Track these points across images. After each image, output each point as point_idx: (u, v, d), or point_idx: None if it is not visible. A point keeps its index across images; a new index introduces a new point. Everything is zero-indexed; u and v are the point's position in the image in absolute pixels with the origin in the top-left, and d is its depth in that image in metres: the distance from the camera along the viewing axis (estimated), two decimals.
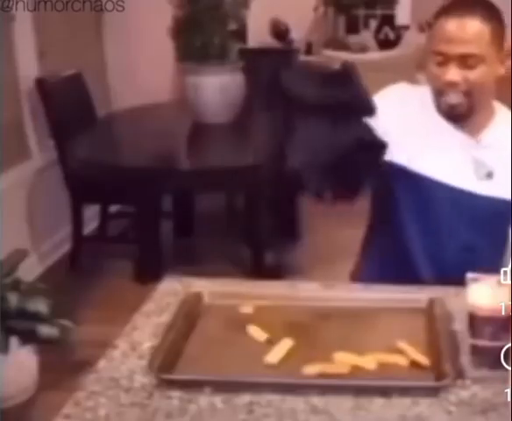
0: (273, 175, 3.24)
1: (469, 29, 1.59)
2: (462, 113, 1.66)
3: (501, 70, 1.65)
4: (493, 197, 1.69)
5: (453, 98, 1.63)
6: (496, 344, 1.22)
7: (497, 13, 1.64)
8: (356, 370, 1.25)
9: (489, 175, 1.68)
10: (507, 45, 1.66)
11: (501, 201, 1.68)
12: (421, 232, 1.72)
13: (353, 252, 2.08)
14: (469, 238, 1.70)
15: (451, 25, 1.60)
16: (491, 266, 1.41)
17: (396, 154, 1.66)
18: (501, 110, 1.74)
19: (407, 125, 1.70)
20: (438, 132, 1.71)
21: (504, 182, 1.67)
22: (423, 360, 1.26)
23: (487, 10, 1.63)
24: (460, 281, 1.31)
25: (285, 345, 1.31)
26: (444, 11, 1.64)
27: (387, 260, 1.79)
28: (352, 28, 7.66)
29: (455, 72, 1.60)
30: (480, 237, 1.70)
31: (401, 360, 1.27)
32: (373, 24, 7.66)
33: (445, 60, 1.61)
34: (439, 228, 1.71)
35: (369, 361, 1.26)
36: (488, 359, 1.24)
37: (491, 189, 1.68)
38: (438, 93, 1.66)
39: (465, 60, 1.60)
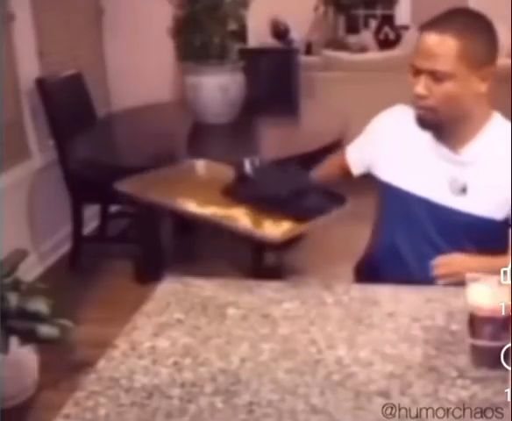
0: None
1: (436, 45, 1.62)
2: (430, 125, 1.71)
3: (481, 88, 1.66)
4: (466, 212, 1.71)
5: (420, 110, 1.69)
6: (496, 344, 1.22)
7: (476, 31, 1.64)
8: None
9: (463, 190, 1.71)
10: (491, 66, 1.66)
11: (474, 216, 1.71)
12: (407, 238, 1.80)
13: (353, 251, 2.09)
14: (446, 249, 1.72)
15: (423, 40, 1.64)
16: None
17: (382, 171, 1.84)
18: (492, 124, 1.73)
19: (396, 145, 1.83)
20: (422, 148, 1.78)
21: (478, 198, 1.70)
22: None
23: (462, 27, 1.63)
24: None
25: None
26: (424, 25, 1.67)
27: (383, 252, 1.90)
28: (352, 28, 7.67)
29: (422, 85, 1.65)
30: (457, 249, 1.70)
31: None
32: (373, 24, 7.66)
33: (417, 72, 1.66)
34: (420, 237, 1.79)
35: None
36: (488, 359, 1.24)
37: (465, 203, 1.71)
38: (413, 104, 1.72)
39: (433, 75, 1.63)
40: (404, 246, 1.82)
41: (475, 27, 1.65)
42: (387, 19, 7.71)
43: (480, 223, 1.71)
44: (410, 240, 1.81)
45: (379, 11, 7.83)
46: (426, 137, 1.77)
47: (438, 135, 1.75)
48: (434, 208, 1.75)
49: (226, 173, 1.85)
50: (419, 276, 1.71)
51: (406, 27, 7.47)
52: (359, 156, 1.99)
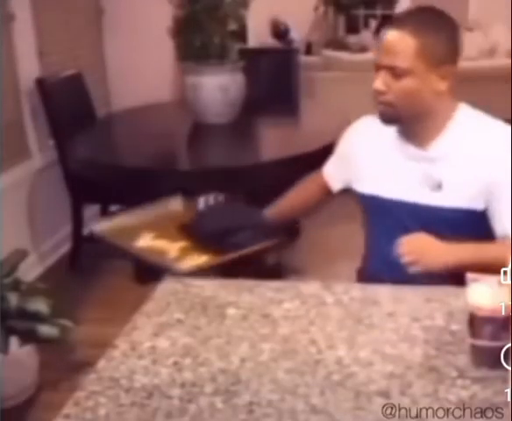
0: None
1: (394, 41, 1.65)
2: (390, 120, 1.74)
3: (440, 86, 1.68)
4: (446, 207, 1.72)
5: (380, 106, 1.72)
6: (496, 344, 1.22)
7: (436, 30, 1.66)
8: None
9: (439, 186, 1.73)
10: (451, 65, 1.68)
11: (454, 210, 1.72)
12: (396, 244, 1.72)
13: (353, 250, 2.09)
14: None
15: (384, 37, 1.67)
16: None
17: (360, 184, 1.88)
18: (457, 119, 1.74)
19: (369, 155, 1.86)
20: (393, 152, 1.81)
21: (455, 191, 1.71)
22: None
23: (421, 25, 1.65)
24: None
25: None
26: (390, 21, 1.71)
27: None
28: (352, 28, 7.67)
29: (381, 81, 1.68)
30: None
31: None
32: (373, 24, 7.66)
33: (378, 68, 1.69)
34: (395, 236, 1.69)
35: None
36: (488, 359, 1.24)
37: (443, 198, 1.73)
38: (374, 99, 1.74)
39: (391, 71, 1.66)
40: (395, 252, 1.78)
41: (436, 26, 1.67)
42: (387, 19, 7.71)
43: (462, 215, 1.71)
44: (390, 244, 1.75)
45: (379, 11, 7.83)
46: (395, 141, 1.80)
47: (405, 135, 1.78)
48: (414, 208, 1.76)
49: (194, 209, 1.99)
50: (414, 278, 1.71)
51: None
52: (336, 172, 2.02)
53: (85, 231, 3.99)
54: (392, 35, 1.66)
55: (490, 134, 1.72)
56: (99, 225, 2.02)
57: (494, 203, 1.69)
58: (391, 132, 1.81)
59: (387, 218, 1.83)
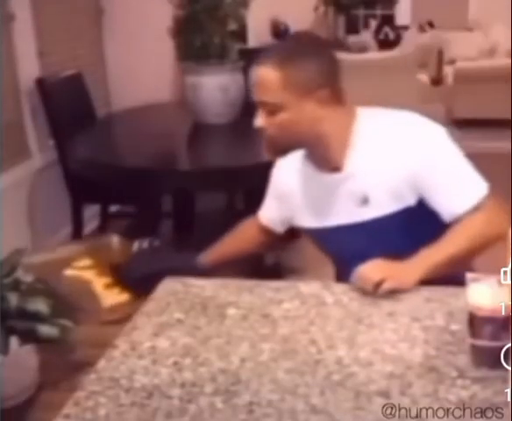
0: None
1: (261, 77, 1.61)
2: (275, 153, 1.74)
3: (319, 112, 1.63)
4: (378, 217, 1.69)
5: (264, 141, 1.69)
6: (496, 344, 1.22)
7: (299, 58, 1.61)
8: None
9: (366, 200, 1.69)
10: (322, 90, 1.62)
11: (391, 215, 1.68)
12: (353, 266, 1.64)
13: None
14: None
15: (253, 72, 1.64)
16: None
17: (298, 219, 1.84)
18: (359, 128, 1.70)
19: (296, 190, 1.82)
20: (312, 181, 1.77)
21: (381, 199, 1.67)
22: None
23: (284, 56, 1.61)
24: None
25: None
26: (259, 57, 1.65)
27: None
28: (352, 28, 7.67)
29: (261, 118, 1.64)
30: (395, 252, 1.60)
31: None
32: (373, 24, 7.67)
33: (258, 106, 1.65)
34: (360, 262, 1.62)
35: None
36: (488, 359, 1.24)
37: (373, 211, 1.69)
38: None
39: (265, 107, 1.63)
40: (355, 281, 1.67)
41: (300, 54, 1.63)
42: (387, 19, 7.73)
43: (398, 218, 1.67)
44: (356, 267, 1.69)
45: (379, 11, 7.84)
46: (311, 171, 1.77)
47: (315, 163, 1.75)
48: (351, 229, 1.72)
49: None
50: None
51: (406, 27, 7.48)
52: (275, 213, 1.94)
53: (85, 231, 4.00)
54: (259, 72, 1.62)
55: (397, 128, 1.69)
56: (29, 259, 1.97)
57: (429, 191, 1.64)
58: (306, 163, 1.78)
59: (333, 245, 1.80)
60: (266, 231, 1.98)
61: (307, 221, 1.82)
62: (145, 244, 1.94)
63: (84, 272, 1.82)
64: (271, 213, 1.96)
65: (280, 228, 1.96)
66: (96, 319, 1.63)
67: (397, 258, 1.57)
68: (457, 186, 1.65)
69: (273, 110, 1.61)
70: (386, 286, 1.52)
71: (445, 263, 1.58)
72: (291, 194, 1.84)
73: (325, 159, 1.72)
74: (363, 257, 1.57)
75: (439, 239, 1.60)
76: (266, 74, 1.60)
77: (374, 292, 1.52)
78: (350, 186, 1.70)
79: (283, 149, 1.71)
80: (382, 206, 1.68)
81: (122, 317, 1.56)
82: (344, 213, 1.73)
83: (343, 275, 1.73)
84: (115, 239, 1.97)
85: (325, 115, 1.64)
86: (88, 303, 1.71)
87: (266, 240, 2.00)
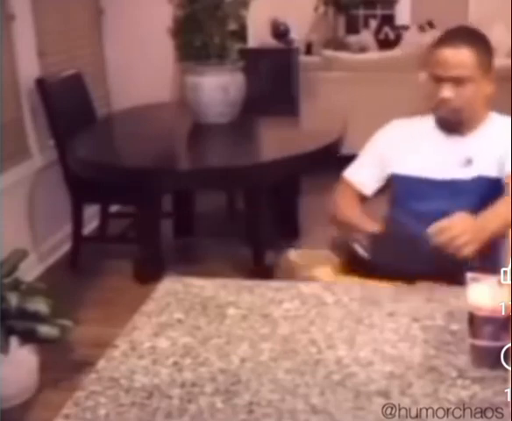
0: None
1: (460, 55, 1.95)
2: (452, 125, 2.02)
3: (489, 89, 2.00)
4: (475, 177, 1.98)
5: (445, 113, 1.99)
6: (496, 344, 1.22)
7: (484, 43, 2.01)
8: None
9: (469, 162, 2.00)
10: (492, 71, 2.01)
11: (480, 178, 1.98)
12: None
13: None
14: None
15: (446, 53, 1.95)
16: None
17: (400, 167, 2.09)
18: (493, 119, 2.06)
19: (404, 143, 2.11)
20: (431, 140, 2.08)
21: (482, 165, 1.98)
22: None
23: (474, 40, 1.99)
24: None
25: None
26: (440, 41, 2.00)
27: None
28: (352, 28, 7.67)
29: (449, 90, 1.95)
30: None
31: None
32: (373, 24, 7.67)
33: (441, 80, 1.96)
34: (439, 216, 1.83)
35: None
36: (488, 359, 1.24)
37: (472, 172, 1.99)
38: (434, 108, 2.02)
39: (457, 81, 1.95)
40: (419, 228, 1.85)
41: (482, 40, 2.01)
42: (387, 19, 7.72)
43: (484, 182, 1.97)
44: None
45: (379, 11, 7.83)
46: (431, 133, 2.07)
47: (448, 130, 2.04)
48: (450, 184, 2.00)
49: None
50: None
51: (406, 27, 7.47)
52: (370, 173, 2.17)
53: (85, 231, 4.00)
54: (455, 51, 1.94)
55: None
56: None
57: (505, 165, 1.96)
58: (425, 127, 2.09)
59: (427, 197, 2.02)
60: (358, 197, 2.18)
61: (414, 170, 2.06)
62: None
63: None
64: (366, 173, 2.17)
65: (371, 190, 2.17)
66: None
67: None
68: None
69: (463, 83, 1.94)
70: (467, 250, 1.71)
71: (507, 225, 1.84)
72: (398, 148, 2.10)
73: (462, 129, 2.02)
74: (442, 215, 1.78)
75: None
76: (464, 53, 1.94)
77: (454, 249, 1.70)
78: (462, 148, 2.01)
79: (460, 120, 2.00)
80: (480, 171, 1.98)
81: None
82: (451, 171, 2.01)
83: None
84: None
85: (490, 92, 2.01)
86: None
87: (359, 208, 2.18)
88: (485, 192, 1.96)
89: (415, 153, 2.08)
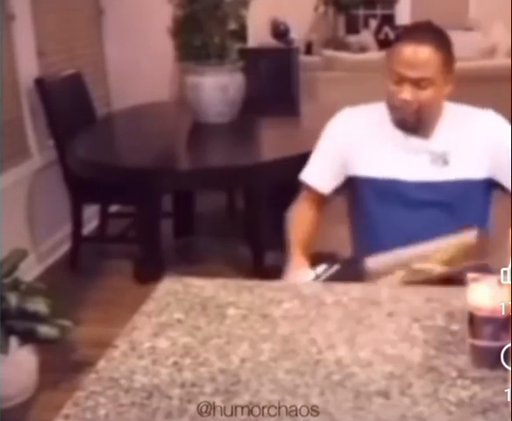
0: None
1: (422, 55, 1.83)
2: (411, 126, 1.91)
3: (447, 90, 1.90)
4: (453, 180, 1.91)
5: (404, 114, 1.88)
6: (496, 344, 1.22)
7: (447, 42, 1.88)
8: None
9: (445, 162, 1.91)
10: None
11: (459, 181, 1.90)
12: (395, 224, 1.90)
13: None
14: (440, 221, 1.88)
15: (408, 51, 1.83)
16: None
17: (361, 168, 1.98)
18: (447, 108, 1.95)
19: (362, 142, 1.99)
20: (392, 140, 1.96)
21: (459, 165, 1.91)
22: None
23: (438, 39, 1.86)
24: None
25: None
26: (402, 37, 1.88)
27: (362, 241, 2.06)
28: (352, 28, 7.67)
29: (408, 92, 1.85)
30: (449, 215, 1.89)
31: None
32: (373, 24, 7.67)
33: (401, 80, 1.85)
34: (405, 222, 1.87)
35: None
36: (488, 359, 1.24)
37: (449, 173, 1.91)
38: (392, 108, 1.91)
39: (418, 82, 1.84)
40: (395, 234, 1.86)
41: (445, 40, 1.89)
42: (387, 19, 7.72)
43: (465, 185, 1.90)
44: (402, 226, 1.89)
45: (379, 11, 7.83)
46: (392, 131, 1.95)
47: (408, 130, 1.93)
48: (423, 186, 1.91)
49: None
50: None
51: None
52: (326, 172, 2.07)
53: (85, 231, 4.00)
54: (417, 50, 1.82)
55: (480, 112, 1.98)
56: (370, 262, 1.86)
57: (504, 169, 1.89)
58: (381, 119, 1.97)
59: (395, 200, 1.93)
60: (317, 200, 2.09)
61: (371, 171, 1.96)
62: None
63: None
64: (322, 173, 2.08)
65: (329, 188, 2.07)
66: None
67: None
68: None
69: (424, 85, 1.84)
70: None
71: None
72: (355, 145, 1.99)
73: (423, 129, 1.92)
74: (409, 215, 1.82)
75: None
76: (427, 53, 1.82)
77: None
78: (434, 147, 1.92)
79: (419, 122, 1.89)
80: (457, 171, 1.90)
81: None
82: (423, 171, 1.92)
83: (382, 236, 1.92)
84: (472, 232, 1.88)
85: (448, 93, 1.92)
86: None
87: (317, 211, 2.11)
88: (466, 193, 1.91)
89: (378, 153, 1.97)
